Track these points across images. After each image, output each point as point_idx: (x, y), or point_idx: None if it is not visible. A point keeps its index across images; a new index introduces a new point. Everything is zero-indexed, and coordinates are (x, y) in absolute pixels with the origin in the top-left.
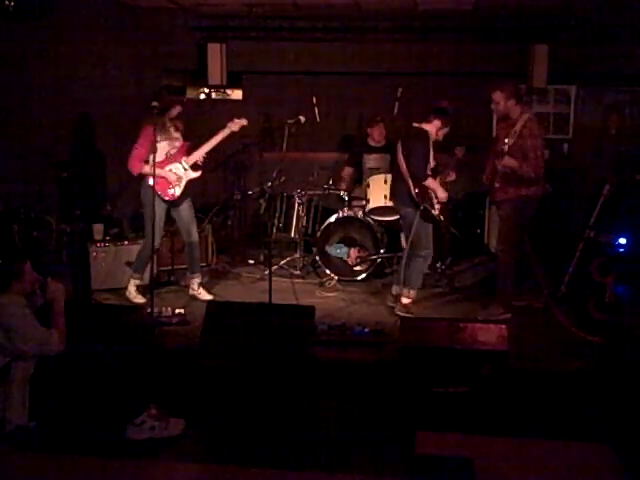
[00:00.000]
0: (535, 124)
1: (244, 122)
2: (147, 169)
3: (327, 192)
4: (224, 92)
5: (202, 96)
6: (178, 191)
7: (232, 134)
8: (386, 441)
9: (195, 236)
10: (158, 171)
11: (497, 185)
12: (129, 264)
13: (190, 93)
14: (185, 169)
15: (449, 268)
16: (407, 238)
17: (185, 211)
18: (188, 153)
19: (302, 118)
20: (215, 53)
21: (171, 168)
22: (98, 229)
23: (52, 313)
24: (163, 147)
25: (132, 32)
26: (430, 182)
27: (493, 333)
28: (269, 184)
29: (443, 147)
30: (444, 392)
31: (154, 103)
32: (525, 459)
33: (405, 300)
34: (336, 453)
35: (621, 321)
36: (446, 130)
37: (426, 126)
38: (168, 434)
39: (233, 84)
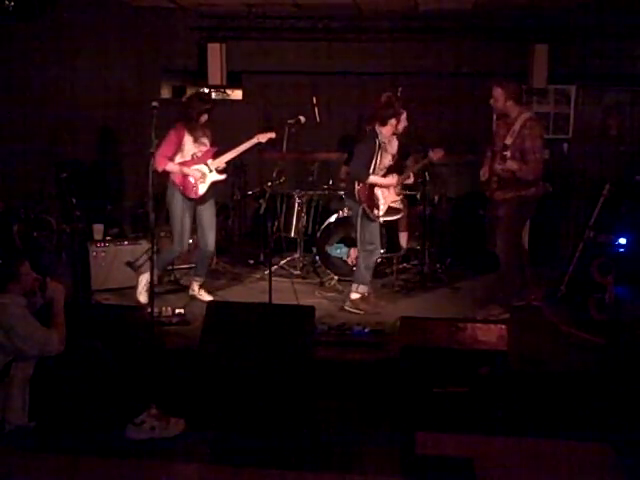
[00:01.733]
0: (535, 124)
1: (273, 135)
2: (171, 166)
3: (327, 192)
4: (224, 92)
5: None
6: (202, 189)
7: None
8: (386, 441)
9: (211, 245)
10: (183, 169)
11: (495, 185)
12: (129, 264)
13: (190, 93)
14: (210, 170)
15: (449, 269)
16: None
17: (207, 214)
18: (214, 157)
19: (302, 118)
20: (215, 53)
21: (196, 167)
22: (98, 229)
23: (52, 313)
24: (189, 149)
25: (132, 32)
26: (374, 179)
27: (493, 333)
28: (269, 184)
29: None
30: (444, 392)
31: (154, 103)
32: (525, 459)
33: (355, 296)
34: (336, 453)
35: (621, 321)
36: (404, 121)
37: (381, 129)
38: (168, 434)
39: (233, 84)
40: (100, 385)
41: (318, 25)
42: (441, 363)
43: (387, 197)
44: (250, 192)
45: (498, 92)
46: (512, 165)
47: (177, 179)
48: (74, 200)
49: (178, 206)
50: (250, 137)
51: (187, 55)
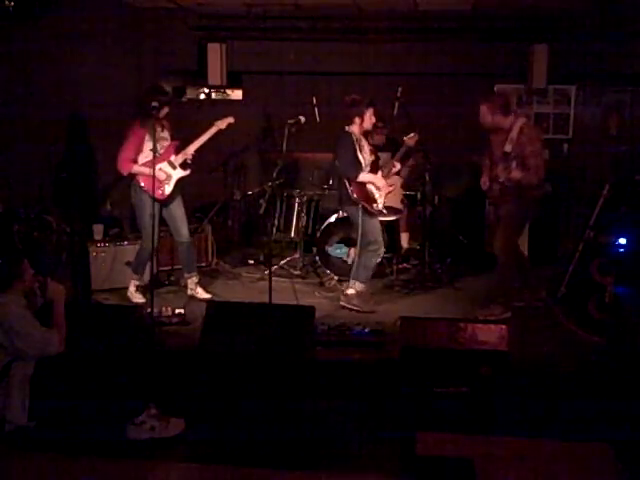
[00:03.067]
0: (531, 128)
1: (231, 120)
2: (136, 168)
3: (327, 192)
4: (224, 92)
5: (202, 96)
6: (168, 190)
7: (220, 132)
8: (386, 441)
9: (186, 236)
10: (147, 170)
11: (498, 192)
12: (129, 264)
13: (190, 93)
14: (174, 167)
15: (449, 269)
16: (357, 236)
17: (175, 210)
18: (176, 152)
19: (302, 118)
20: (215, 53)
21: (160, 167)
22: (98, 229)
23: (52, 313)
24: (151, 146)
25: (132, 32)
26: (363, 177)
27: (493, 333)
28: (269, 184)
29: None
30: (444, 392)
31: (154, 103)
32: (525, 459)
33: (350, 291)
34: (336, 453)
35: (621, 321)
36: (370, 118)
37: (350, 128)
38: (168, 434)
39: (233, 84)
40: (100, 385)
41: (318, 25)
42: (441, 363)
43: (381, 188)
44: (250, 192)
45: (484, 110)
46: (516, 175)
47: (142, 181)
48: (74, 200)
49: (145, 206)
50: (209, 127)
51: (187, 55)
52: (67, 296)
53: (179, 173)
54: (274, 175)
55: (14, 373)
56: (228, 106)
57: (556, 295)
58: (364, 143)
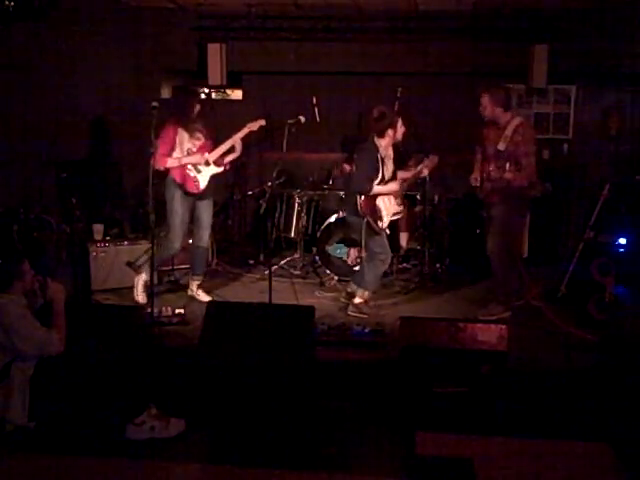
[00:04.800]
0: (526, 129)
1: (262, 122)
2: (171, 162)
3: (327, 192)
4: (224, 92)
5: (202, 96)
6: (203, 183)
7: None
8: (386, 441)
9: (205, 241)
10: (182, 160)
11: (489, 188)
12: (129, 264)
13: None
14: (207, 164)
15: (448, 269)
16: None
17: (206, 212)
18: (210, 151)
19: (302, 118)
20: (215, 53)
21: (194, 160)
22: (98, 229)
23: (52, 313)
24: (185, 144)
25: (132, 32)
26: (377, 189)
27: (493, 333)
28: (269, 184)
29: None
30: (444, 392)
31: (154, 103)
32: (525, 459)
33: (358, 300)
34: (336, 453)
35: (621, 321)
36: (401, 128)
37: (380, 141)
38: (168, 434)
39: (233, 84)
40: (100, 385)
41: (318, 25)
42: (441, 363)
43: (389, 208)
44: (250, 192)
45: (485, 100)
46: (508, 176)
47: (177, 176)
48: (74, 200)
49: (178, 203)
50: (242, 127)
51: (187, 55)
52: (67, 296)
53: (212, 169)
54: (274, 175)
55: (14, 373)
56: (228, 106)
57: (556, 295)
58: (390, 153)
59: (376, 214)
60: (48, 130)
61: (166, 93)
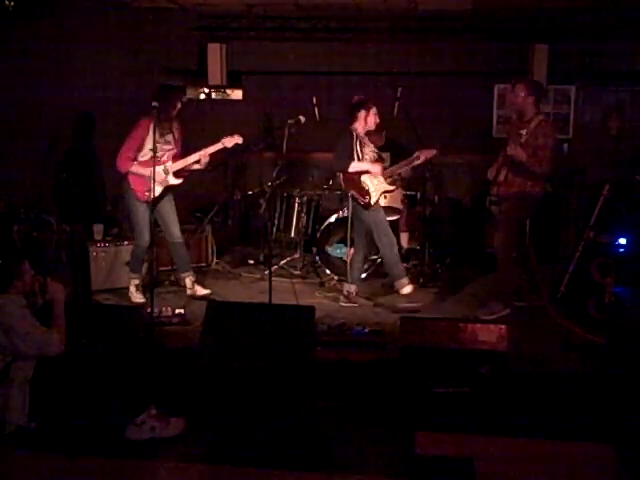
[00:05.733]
0: (549, 124)
1: (239, 140)
2: (134, 168)
3: (327, 192)
4: (224, 92)
5: (202, 96)
6: (157, 191)
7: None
8: (386, 441)
9: (177, 236)
10: (140, 170)
11: (501, 179)
12: (129, 264)
13: (190, 93)
14: (166, 173)
15: (449, 269)
16: (358, 235)
17: (165, 211)
18: (174, 160)
19: (302, 118)
20: (215, 53)
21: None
22: (98, 229)
23: (52, 313)
24: (150, 146)
25: (132, 32)
26: (355, 165)
27: (493, 333)
28: (269, 184)
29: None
30: (444, 392)
31: (154, 103)
32: (525, 459)
33: (406, 290)
34: (336, 453)
35: (621, 321)
36: (373, 115)
37: (354, 125)
38: (168, 434)
39: (233, 84)
40: (100, 385)
41: (318, 25)
42: (441, 363)
43: (377, 185)
44: (250, 192)
45: (521, 87)
46: (521, 154)
47: (132, 180)
48: (74, 200)
49: (135, 203)
50: (216, 141)
51: (187, 55)
52: (67, 296)
53: (170, 180)
54: (274, 175)
55: (14, 373)
56: (228, 106)
57: (556, 295)
58: (366, 142)
59: (362, 189)
60: (48, 130)
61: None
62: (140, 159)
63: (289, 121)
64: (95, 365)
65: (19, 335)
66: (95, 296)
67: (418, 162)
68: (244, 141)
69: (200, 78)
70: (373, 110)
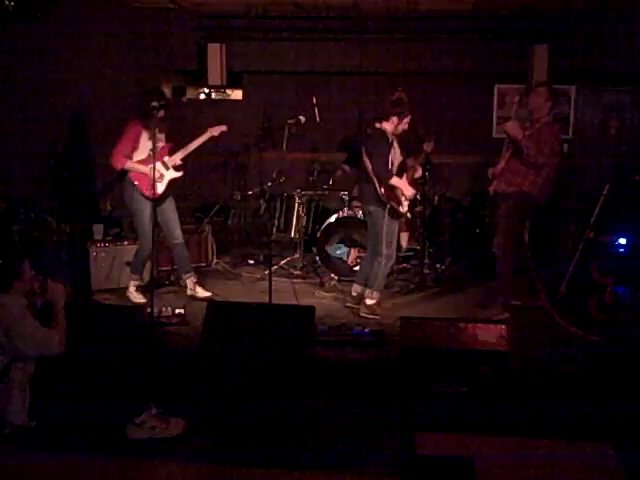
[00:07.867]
0: (554, 125)
1: (224, 128)
2: (130, 164)
3: (327, 192)
4: (224, 92)
5: (202, 96)
6: (160, 188)
7: (212, 138)
8: (386, 441)
9: (179, 237)
10: (140, 167)
11: (502, 177)
12: (129, 264)
13: (190, 93)
14: (167, 168)
15: (449, 269)
16: (370, 238)
17: (168, 212)
18: (170, 154)
19: (302, 118)
20: (215, 53)
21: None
22: (98, 229)
23: (52, 314)
24: (146, 146)
25: (132, 32)
26: (395, 181)
27: (493, 333)
28: (269, 184)
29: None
30: (444, 392)
31: (154, 103)
32: (525, 459)
33: (369, 301)
34: (336, 453)
35: (621, 321)
36: (405, 124)
37: (384, 125)
38: (168, 434)
39: (233, 84)
40: (100, 385)
41: (318, 25)
42: (441, 363)
43: (406, 194)
44: (250, 192)
45: (543, 89)
46: (517, 130)
47: (134, 177)
48: (74, 200)
49: (140, 204)
50: (203, 132)
51: (187, 55)
52: (67, 296)
53: (172, 174)
54: (274, 175)
55: (14, 373)
56: (228, 106)
57: (556, 295)
58: (396, 144)
59: (397, 199)
60: (48, 130)
61: (166, 93)
62: (139, 158)
63: (289, 121)
64: (95, 365)
65: (19, 335)
66: (95, 296)
67: (424, 155)
68: (244, 141)
69: (200, 78)
70: (407, 119)
